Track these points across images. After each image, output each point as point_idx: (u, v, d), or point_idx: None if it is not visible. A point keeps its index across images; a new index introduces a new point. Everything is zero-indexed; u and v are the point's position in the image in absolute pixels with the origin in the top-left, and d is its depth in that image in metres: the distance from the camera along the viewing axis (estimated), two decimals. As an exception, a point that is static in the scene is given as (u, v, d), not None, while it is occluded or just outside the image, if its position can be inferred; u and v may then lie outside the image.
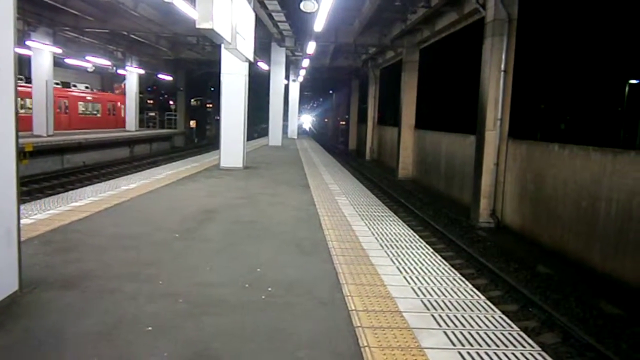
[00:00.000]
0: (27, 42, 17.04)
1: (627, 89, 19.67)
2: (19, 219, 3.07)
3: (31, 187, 13.29)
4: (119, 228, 5.00)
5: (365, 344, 2.62)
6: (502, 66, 10.87)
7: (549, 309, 6.36)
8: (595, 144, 8.81)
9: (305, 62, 22.29)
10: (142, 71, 26.81)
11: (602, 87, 23.38)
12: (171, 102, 39.25)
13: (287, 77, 24.46)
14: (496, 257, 8.89)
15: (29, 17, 16.52)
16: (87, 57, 21.69)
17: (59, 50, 18.78)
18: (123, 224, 5.19)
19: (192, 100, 41.34)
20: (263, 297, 3.27)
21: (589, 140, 11.99)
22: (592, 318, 6.30)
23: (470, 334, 2.80)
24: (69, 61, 22.59)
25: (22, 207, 5.73)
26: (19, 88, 3.10)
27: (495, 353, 2.58)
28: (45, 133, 18.40)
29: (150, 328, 2.74)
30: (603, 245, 7.92)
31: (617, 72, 21.04)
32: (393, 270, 3.91)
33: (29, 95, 18.97)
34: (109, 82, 31.55)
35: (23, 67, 21.31)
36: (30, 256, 3.90)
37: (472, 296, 3.41)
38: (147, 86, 36.59)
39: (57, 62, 21.01)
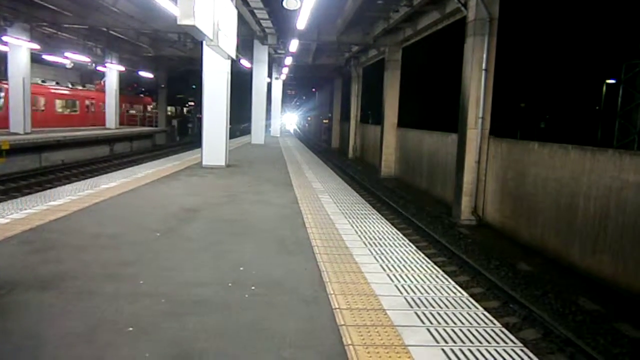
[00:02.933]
0: (4, 38, 16.65)
1: (604, 88, 20.04)
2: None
3: (8, 186, 13.01)
4: (99, 227, 4.92)
5: (350, 342, 2.61)
6: (484, 65, 10.97)
7: (529, 305, 6.45)
8: (574, 142, 8.96)
9: (288, 60, 22.23)
10: (122, 68, 26.40)
11: (580, 86, 23.80)
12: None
13: (269, 75, 24.35)
14: (478, 254, 8.99)
15: (4, 12, 16.14)
16: (66, 54, 21.28)
17: (36, 47, 18.39)
18: (103, 223, 5.10)
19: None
20: (246, 296, 3.24)
21: (568, 138, 12.19)
22: (572, 314, 6.40)
23: (453, 330, 2.81)
24: (47, 57, 22.14)
25: (-2, 206, 5.61)
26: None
27: (478, 349, 2.60)
28: (22, 130, 18.04)
29: (131, 329, 2.69)
30: (582, 242, 8.06)
31: (595, 71, 21.43)
32: (376, 268, 3.92)
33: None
34: (88, 79, 31.03)
35: (-1, 63, 20.86)
36: (7, 256, 3.82)
37: (454, 293, 3.43)
38: (128, 83, 36.11)
39: (35, 59, 20.58)
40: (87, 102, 28.06)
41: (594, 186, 7.88)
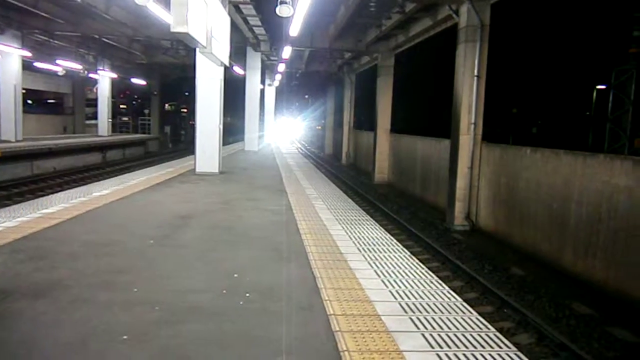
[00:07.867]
0: (-5, 45, 16.59)
1: (594, 94, 20.22)
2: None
3: (-1, 194, 12.91)
4: (92, 235, 4.89)
5: (345, 349, 2.62)
6: (476, 71, 11.05)
7: (523, 309, 6.47)
8: (565, 147, 9.02)
9: (281, 67, 22.27)
10: (114, 75, 26.34)
11: (571, 92, 24.02)
12: (146, 110, 38.69)
13: (262, 82, 24.38)
14: (471, 259, 9.01)
15: (-4, 20, 16.10)
16: (58, 61, 21.20)
17: (28, 54, 18.32)
18: (96, 231, 5.08)
19: (167, 104, 40.99)
20: (241, 303, 3.24)
21: (559, 144, 12.28)
22: (565, 318, 6.43)
23: (447, 335, 2.82)
24: (39, 65, 22.07)
25: (-10, 214, 5.57)
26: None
27: (472, 354, 2.61)
28: (13, 138, 17.93)
29: (125, 337, 2.68)
30: (574, 247, 8.11)
31: (585, 77, 21.63)
32: (371, 273, 3.93)
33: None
34: (81, 86, 30.91)
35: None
36: (0, 265, 3.79)
37: (449, 298, 3.44)
38: (120, 91, 36.00)
39: (26, 66, 20.50)
40: None
41: (586, 191, 7.94)
